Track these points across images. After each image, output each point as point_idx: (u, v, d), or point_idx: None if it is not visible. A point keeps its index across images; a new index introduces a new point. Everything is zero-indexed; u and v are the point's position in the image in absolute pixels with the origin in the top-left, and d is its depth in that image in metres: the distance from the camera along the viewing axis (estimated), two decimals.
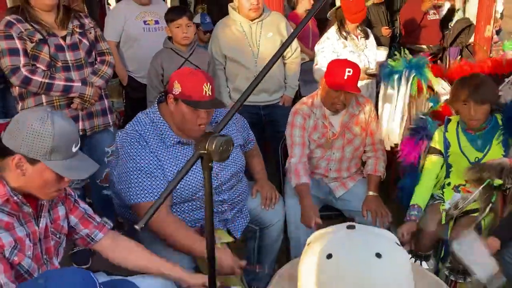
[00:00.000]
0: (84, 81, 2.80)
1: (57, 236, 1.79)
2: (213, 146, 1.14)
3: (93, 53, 2.91)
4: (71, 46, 2.75)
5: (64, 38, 2.73)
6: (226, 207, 2.35)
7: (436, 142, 2.60)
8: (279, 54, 1.25)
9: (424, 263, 2.54)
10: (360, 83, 3.25)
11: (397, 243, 0.84)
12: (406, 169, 2.74)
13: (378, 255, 0.77)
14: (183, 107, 2.12)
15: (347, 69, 2.52)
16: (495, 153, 2.42)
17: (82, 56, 2.80)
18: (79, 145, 1.67)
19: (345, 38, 3.55)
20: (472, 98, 2.33)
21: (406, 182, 2.78)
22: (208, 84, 2.10)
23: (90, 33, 2.88)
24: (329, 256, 0.78)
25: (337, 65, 2.60)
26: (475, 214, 2.42)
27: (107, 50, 3.01)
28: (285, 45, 1.27)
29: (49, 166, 1.57)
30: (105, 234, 1.92)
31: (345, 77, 2.52)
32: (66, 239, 1.88)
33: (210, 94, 2.11)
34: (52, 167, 1.57)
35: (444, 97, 2.61)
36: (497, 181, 2.27)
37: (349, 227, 0.84)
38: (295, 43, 3.48)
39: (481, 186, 2.24)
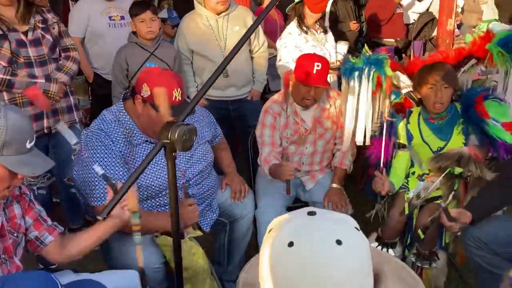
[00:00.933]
0: (48, 78, 2.74)
1: (15, 235, 1.74)
2: (176, 135, 1.14)
3: (57, 49, 2.85)
4: (33, 41, 2.69)
5: (25, 33, 2.67)
6: (195, 201, 2.34)
7: (401, 136, 2.65)
8: (242, 42, 1.26)
9: (390, 250, 2.60)
10: None
11: (357, 228, 0.85)
12: (376, 167, 2.77)
13: (339, 242, 0.78)
14: (151, 110, 2.08)
15: (316, 64, 2.54)
16: (456, 141, 2.49)
17: (45, 52, 2.75)
18: (33, 141, 1.63)
19: (306, 33, 3.59)
20: (440, 81, 2.38)
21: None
22: (178, 89, 2.08)
23: (54, 28, 2.82)
24: (290, 244, 0.79)
25: (306, 59, 2.61)
26: (439, 201, 2.49)
27: (72, 45, 2.95)
28: (247, 34, 1.28)
29: (0, 161, 1.53)
30: (54, 238, 1.86)
31: (314, 72, 2.54)
32: None
33: (180, 98, 2.09)
34: (2, 162, 1.53)
35: (404, 90, 2.66)
36: (457, 170, 2.34)
37: (309, 213, 0.85)
38: (262, 37, 3.49)
39: (442, 175, 2.30)
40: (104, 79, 3.73)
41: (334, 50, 3.74)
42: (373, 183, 2.57)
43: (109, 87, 3.42)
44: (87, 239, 1.89)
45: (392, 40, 5.63)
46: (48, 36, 2.77)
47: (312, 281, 0.77)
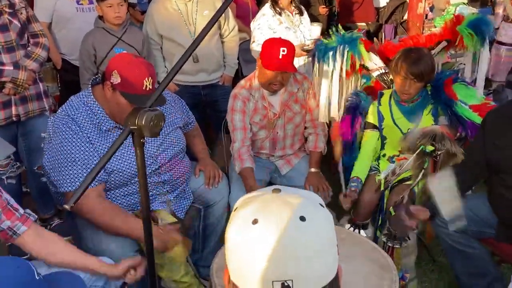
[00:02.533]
0: (16, 65, 2.67)
1: None
2: (143, 121, 1.13)
3: (26, 35, 2.77)
4: (0, 27, 2.60)
5: None
6: (167, 188, 2.33)
7: (371, 116, 2.69)
8: (210, 26, 1.24)
9: (362, 231, 2.65)
10: (297, 60, 3.29)
11: (321, 204, 0.85)
12: (344, 146, 2.82)
13: (302, 219, 0.79)
14: (120, 98, 2.04)
15: (281, 48, 2.53)
16: (426, 123, 2.53)
17: (13, 37, 2.67)
18: None
19: (280, 14, 3.57)
20: (409, 75, 2.42)
21: (345, 159, 2.86)
22: (150, 78, 2.04)
23: (21, 13, 2.74)
24: (255, 221, 0.79)
25: (271, 45, 2.60)
26: (409, 182, 2.54)
27: (41, 31, 2.87)
28: (215, 17, 1.26)
29: None
30: (28, 227, 1.79)
31: (280, 57, 2.53)
32: None
33: (151, 87, 2.05)
34: None
35: (376, 73, 2.69)
36: (429, 148, 2.38)
37: (274, 190, 0.85)
38: (232, 21, 3.46)
39: (416, 153, 2.34)
40: (72, 64, 3.63)
41: (309, 32, 3.73)
42: (340, 199, 2.60)
43: (77, 73, 3.35)
44: (69, 255, 1.82)
45: (364, 24, 5.67)
46: (15, 22, 2.69)
47: (275, 258, 0.77)
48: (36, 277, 1.24)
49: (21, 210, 1.83)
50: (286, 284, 0.77)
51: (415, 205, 2.31)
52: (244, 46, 4.07)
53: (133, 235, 2.09)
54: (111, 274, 1.86)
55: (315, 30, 3.94)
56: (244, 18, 4.61)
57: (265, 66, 2.59)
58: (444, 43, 2.63)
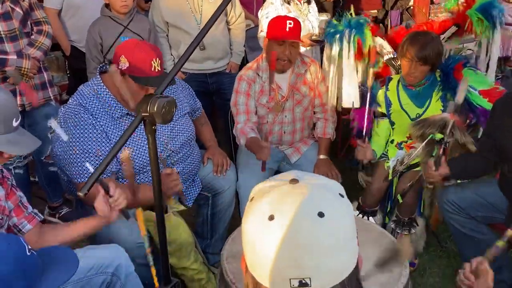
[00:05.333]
0: (20, 54, 2.66)
1: (0, 217, 1.70)
2: (155, 108, 1.12)
3: (29, 23, 2.75)
4: (2, 15, 2.59)
5: None
6: (180, 179, 2.33)
7: (382, 104, 2.67)
8: (218, 14, 1.23)
9: (371, 218, 2.64)
10: (303, 50, 3.27)
11: (341, 194, 0.82)
12: (358, 136, 2.80)
13: (321, 215, 0.76)
14: (130, 82, 2.05)
15: (288, 21, 2.52)
16: (434, 108, 2.52)
17: (16, 26, 2.65)
18: (19, 119, 1.61)
19: (288, 3, 3.53)
20: (415, 57, 2.40)
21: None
22: (157, 59, 2.04)
23: (24, 0, 2.71)
24: (271, 217, 0.77)
25: (278, 19, 2.60)
26: (418, 169, 2.53)
27: (44, 19, 2.85)
28: (222, 5, 1.25)
29: None
30: (33, 226, 1.82)
31: (287, 29, 2.52)
32: None
33: (159, 69, 2.06)
34: None
35: (386, 57, 2.67)
36: (438, 136, 2.37)
37: (292, 181, 0.82)
38: (239, 8, 3.43)
39: (425, 141, 2.33)
40: (82, 52, 3.61)
41: (317, 22, 3.70)
42: (356, 152, 2.59)
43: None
44: (67, 233, 1.85)
45: (374, 11, 5.61)
46: (18, 9, 2.67)
47: (293, 257, 0.76)
48: (28, 252, 1.23)
49: (30, 209, 1.84)
50: (304, 281, 0.76)
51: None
52: (249, 33, 4.03)
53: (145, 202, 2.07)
54: (106, 221, 1.84)
55: (323, 21, 3.90)
56: (248, 6, 4.57)
57: (272, 37, 2.57)
58: (454, 28, 2.59)
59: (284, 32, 2.52)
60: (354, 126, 2.75)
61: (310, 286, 0.75)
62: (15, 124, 1.57)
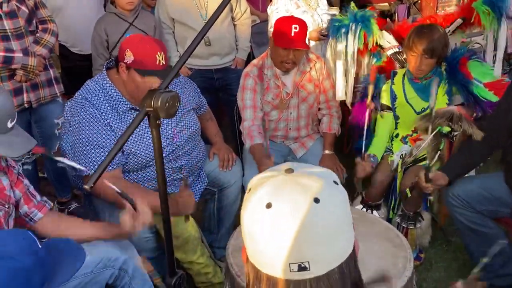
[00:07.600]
0: (26, 51, 2.68)
1: (6, 206, 1.73)
2: (159, 102, 1.13)
3: (34, 21, 2.77)
4: (8, 13, 2.61)
5: (0, 5, 2.59)
6: (184, 173, 2.35)
7: (385, 97, 2.67)
8: (221, 9, 1.24)
9: (375, 212, 2.64)
10: (313, 43, 3.26)
11: (335, 182, 0.85)
12: (359, 131, 2.81)
13: (316, 200, 0.79)
14: (136, 76, 2.07)
15: (293, 26, 2.51)
16: (440, 102, 2.51)
17: (21, 24, 2.67)
18: (15, 120, 1.60)
19: None
20: (422, 51, 2.39)
21: (360, 143, 2.84)
22: (162, 53, 2.07)
23: None
24: (268, 205, 0.79)
25: (283, 23, 2.58)
26: (423, 163, 2.53)
27: (49, 17, 2.87)
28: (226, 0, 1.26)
29: None
30: (44, 215, 1.84)
31: (292, 34, 2.52)
32: None
33: (164, 63, 2.08)
34: None
35: (390, 51, 2.66)
36: (446, 129, 2.37)
37: (287, 170, 0.84)
38: (244, 4, 3.43)
39: (432, 134, 2.33)
40: (70, 51, 3.61)
41: (327, 16, 3.69)
42: (355, 170, 2.58)
43: (75, 60, 3.36)
44: (84, 229, 1.87)
45: (385, 4, 5.56)
46: (23, 8, 2.69)
47: (291, 242, 0.77)
48: (39, 245, 1.25)
49: (38, 197, 1.86)
50: (303, 265, 0.78)
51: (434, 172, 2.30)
52: (255, 29, 4.03)
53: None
54: (124, 234, 1.86)
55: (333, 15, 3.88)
56: (254, 1, 4.56)
57: (277, 44, 2.58)
58: (459, 21, 2.58)
59: (290, 39, 2.52)
60: (353, 120, 2.76)
61: (309, 270, 0.78)
62: (10, 125, 1.57)
